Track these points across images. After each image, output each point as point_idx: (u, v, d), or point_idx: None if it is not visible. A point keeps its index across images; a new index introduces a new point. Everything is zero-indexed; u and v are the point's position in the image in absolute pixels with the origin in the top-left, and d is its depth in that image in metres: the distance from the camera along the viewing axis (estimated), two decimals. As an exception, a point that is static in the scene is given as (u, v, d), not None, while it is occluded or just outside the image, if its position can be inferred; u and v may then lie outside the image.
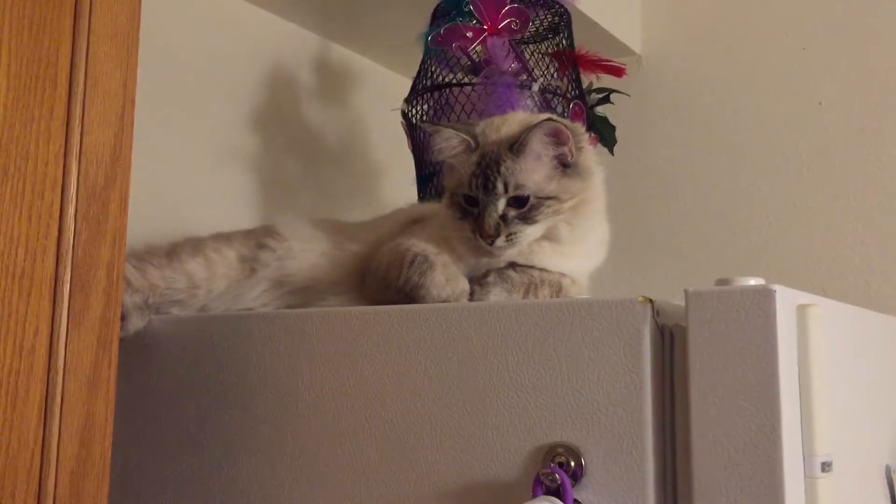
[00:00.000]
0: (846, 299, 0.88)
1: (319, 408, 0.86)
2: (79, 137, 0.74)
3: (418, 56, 1.32)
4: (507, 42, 1.15)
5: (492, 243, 0.90)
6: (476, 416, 0.76)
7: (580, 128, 0.96)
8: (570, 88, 1.22)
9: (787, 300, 0.64)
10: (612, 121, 1.36)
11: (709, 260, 1.67)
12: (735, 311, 0.64)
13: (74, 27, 0.75)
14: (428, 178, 1.25)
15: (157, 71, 1.29)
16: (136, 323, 0.96)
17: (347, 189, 1.68)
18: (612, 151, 1.36)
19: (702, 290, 0.66)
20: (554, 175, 0.92)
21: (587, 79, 1.33)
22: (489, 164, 0.91)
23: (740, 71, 1.72)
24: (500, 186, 0.90)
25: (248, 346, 0.92)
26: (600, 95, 1.35)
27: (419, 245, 0.92)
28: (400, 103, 1.32)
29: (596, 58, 1.30)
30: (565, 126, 0.91)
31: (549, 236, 0.93)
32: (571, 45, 1.27)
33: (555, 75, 1.22)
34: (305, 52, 1.62)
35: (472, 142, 0.93)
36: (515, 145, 0.91)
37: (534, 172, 0.91)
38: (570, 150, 0.92)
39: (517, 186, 0.90)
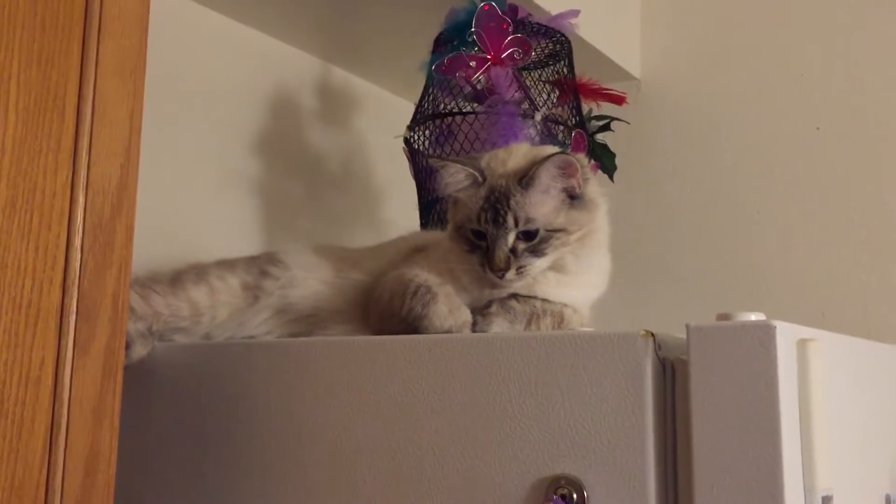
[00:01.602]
0: (845, 325, 0.88)
1: (322, 436, 0.86)
2: (86, 169, 0.74)
3: (420, 79, 1.33)
4: (510, 72, 1.16)
5: (502, 276, 0.91)
6: (478, 447, 0.76)
7: (584, 159, 0.97)
8: (571, 116, 1.23)
9: (787, 335, 0.65)
10: (612, 147, 1.37)
11: (708, 287, 1.67)
12: (736, 347, 0.64)
13: (82, 60, 0.76)
14: (430, 204, 1.26)
15: (161, 96, 1.29)
16: (140, 351, 0.96)
17: (349, 212, 1.69)
18: (612, 179, 1.36)
19: (703, 325, 0.66)
20: (562, 207, 0.93)
21: (586, 105, 1.34)
22: (498, 199, 0.92)
23: (738, 96, 1.73)
24: (510, 220, 0.91)
25: (252, 374, 0.92)
26: (601, 123, 1.36)
27: (422, 275, 0.93)
28: (402, 127, 1.33)
29: (597, 86, 1.31)
30: (575, 159, 0.91)
31: (554, 267, 0.94)
32: (572, 72, 1.28)
33: (555, 103, 1.23)
34: (307, 75, 1.63)
35: (479, 176, 0.94)
36: (525, 179, 0.91)
37: (543, 205, 0.92)
38: (578, 183, 0.93)
39: (527, 220, 0.91)
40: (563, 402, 0.72)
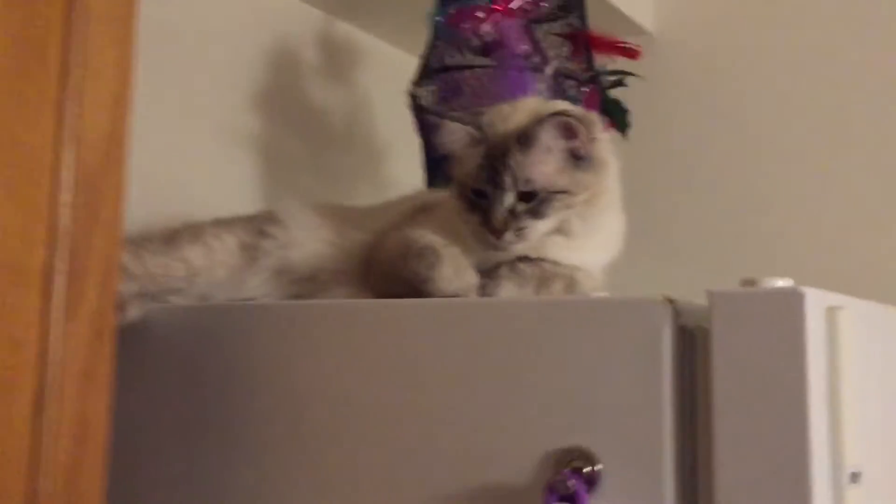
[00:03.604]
0: (874, 291, 0.84)
1: (322, 402, 0.83)
2: (73, 121, 0.70)
3: (425, 33, 1.28)
4: (519, 23, 1.11)
5: (500, 237, 0.87)
6: (484, 416, 0.73)
7: (593, 117, 0.92)
8: (583, 71, 1.18)
9: (816, 302, 0.61)
10: (625, 104, 1.32)
11: (726, 249, 1.62)
12: (762, 315, 0.61)
13: (68, 3, 0.71)
14: (436, 162, 1.21)
15: (153, 48, 1.22)
16: (134, 312, 0.93)
17: (352, 171, 1.65)
18: (625, 136, 1.31)
19: (727, 291, 0.63)
20: (565, 168, 0.88)
21: (599, 60, 1.29)
22: (497, 157, 0.88)
23: (758, 53, 1.67)
24: (507, 180, 0.87)
25: (249, 337, 0.89)
26: (613, 78, 1.31)
27: (427, 236, 0.89)
28: (407, 83, 1.28)
29: (611, 39, 1.25)
30: (577, 119, 0.87)
31: (560, 229, 0.90)
32: (584, 25, 1.22)
33: (567, 57, 1.18)
34: (309, 29, 1.58)
35: (477, 134, 0.90)
36: (524, 138, 0.88)
37: (544, 165, 0.88)
38: (582, 143, 0.88)
39: (526, 181, 0.87)
40: (576, 370, 0.69)
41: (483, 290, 0.87)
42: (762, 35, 1.68)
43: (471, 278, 0.87)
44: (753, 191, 1.63)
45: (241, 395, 0.88)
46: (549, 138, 0.87)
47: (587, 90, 1.17)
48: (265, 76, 1.48)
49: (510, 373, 0.72)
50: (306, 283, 0.99)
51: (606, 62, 1.35)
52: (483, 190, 0.89)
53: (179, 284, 0.99)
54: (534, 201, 0.87)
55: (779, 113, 1.64)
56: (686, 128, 1.70)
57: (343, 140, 1.64)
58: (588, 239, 0.91)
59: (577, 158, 0.89)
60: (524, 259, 0.89)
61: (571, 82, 1.16)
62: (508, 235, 0.87)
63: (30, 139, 0.67)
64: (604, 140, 0.91)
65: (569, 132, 0.87)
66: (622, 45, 1.27)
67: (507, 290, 0.87)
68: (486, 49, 1.15)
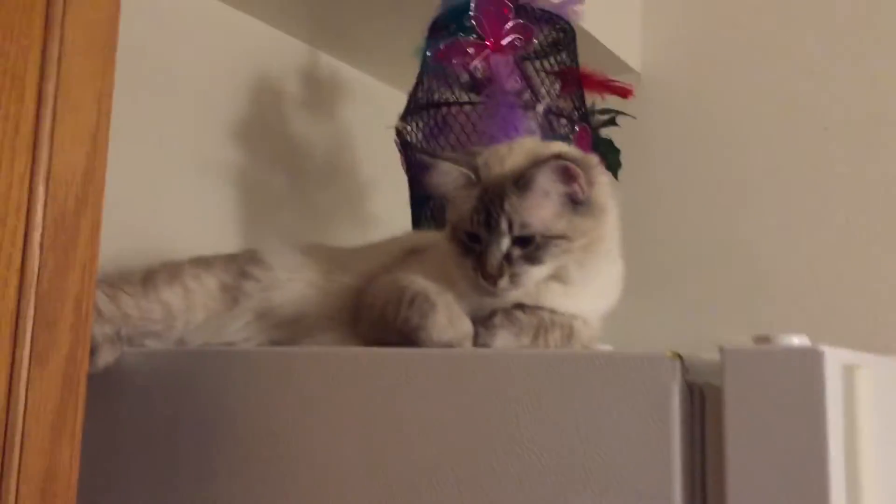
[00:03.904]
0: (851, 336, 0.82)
1: (304, 455, 0.79)
2: (47, 157, 0.67)
3: (412, 68, 1.26)
4: (510, 59, 1.08)
5: (494, 284, 0.84)
6: (479, 475, 0.69)
7: (593, 160, 0.89)
8: (574, 109, 1.16)
9: (833, 361, 0.58)
10: (615, 144, 1.30)
11: (719, 297, 1.59)
12: (779, 374, 0.57)
13: (45, 36, 0.68)
14: (423, 200, 1.18)
15: (133, 78, 1.21)
16: (107, 357, 0.89)
17: (334, 207, 1.62)
18: (616, 177, 1.29)
19: (741, 348, 0.59)
20: (563, 212, 0.85)
21: (589, 98, 1.27)
22: (492, 200, 0.85)
23: (744, 92, 1.66)
24: (503, 225, 0.84)
25: (229, 384, 0.85)
26: (605, 117, 1.29)
27: (419, 282, 0.85)
28: (392, 118, 1.25)
29: (602, 77, 1.24)
30: (576, 163, 0.84)
31: (557, 276, 0.86)
32: (575, 62, 1.21)
33: (558, 95, 1.15)
34: (293, 61, 1.56)
35: (472, 175, 0.87)
36: (521, 181, 0.84)
37: (541, 210, 0.84)
38: (581, 187, 0.85)
39: (522, 225, 0.84)
40: (576, 429, 0.65)
41: (478, 340, 0.83)
42: (748, 74, 1.67)
43: (466, 327, 0.83)
44: (742, 233, 1.61)
45: (218, 447, 0.84)
46: (546, 182, 0.84)
47: (579, 129, 1.15)
48: (247, 109, 1.45)
49: (506, 429, 0.68)
50: (289, 328, 0.96)
51: (595, 101, 1.33)
52: (477, 234, 0.85)
53: (156, 327, 0.95)
54: (530, 246, 0.84)
55: (767, 152, 1.63)
56: (672, 166, 1.68)
57: (326, 175, 1.61)
58: (586, 286, 0.88)
59: (576, 203, 0.86)
60: (520, 306, 0.86)
61: (563, 121, 1.13)
62: (503, 282, 0.83)
63: (2, 175, 0.64)
64: (603, 184, 0.88)
65: (567, 176, 0.84)
66: (614, 83, 1.25)
67: (504, 339, 0.83)
68: (477, 85, 1.13)
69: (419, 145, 1.19)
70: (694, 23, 1.74)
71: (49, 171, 0.67)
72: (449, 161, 0.88)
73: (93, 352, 0.84)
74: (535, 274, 0.84)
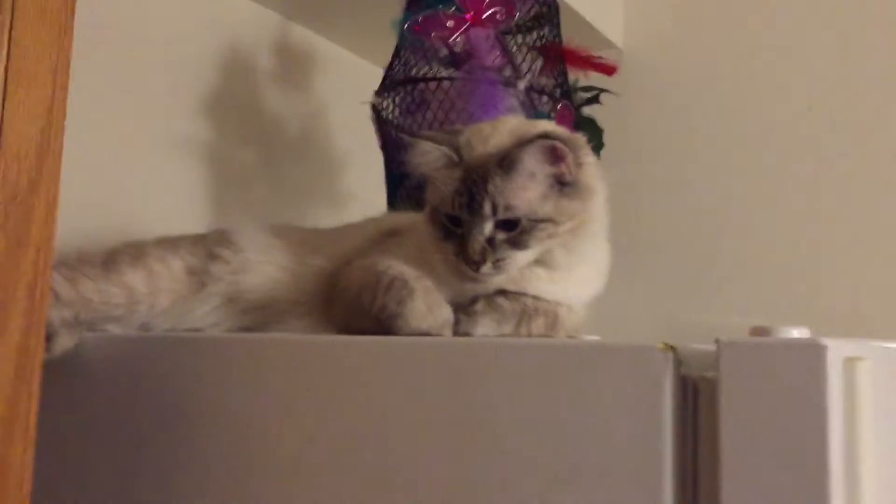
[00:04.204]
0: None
1: (276, 448, 0.75)
2: None
3: (389, 42, 1.21)
4: (491, 34, 1.04)
5: (477, 269, 0.80)
6: (460, 470, 0.66)
7: (580, 140, 0.85)
8: (556, 87, 1.12)
9: (834, 353, 0.55)
10: (600, 122, 1.26)
11: (705, 280, 1.56)
12: (778, 367, 0.54)
13: None
14: (399, 179, 1.14)
15: (93, 48, 1.16)
16: (64, 342, 0.84)
17: (307, 184, 1.57)
18: (598, 156, 1.25)
19: (737, 341, 0.56)
20: (550, 194, 0.81)
21: (572, 76, 1.23)
22: (475, 182, 0.80)
23: (727, 70, 1.63)
24: (486, 207, 0.80)
25: (195, 372, 0.81)
26: (588, 95, 1.25)
27: (397, 266, 0.81)
28: (367, 93, 1.21)
29: (586, 54, 1.19)
30: (564, 142, 0.80)
31: (542, 261, 0.83)
32: (558, 38, 1.16)
33: (540, 71, 1.11)
34: (265, 32, 1.50)
35: (454, 155, 0.83)
36: (506, 161, 0.80)
37: (526, 192, 0.80)
38: (569, 168, 0.81)
39: (507, 208, 0.80)
40: (562, 423, 0.62)
41: (458, 328, 0.79)
42: (732, 50, 1.64)
43: (445, 314, 0.79)
44: (730, 216, 1.58)
45: (183, 437, 0.80)
46: (532, 162, 0.80)
47: (561, 107, 1.11)
48: (216, 81, 1.40)
49: (488, 422, 0.65)
50: (259, 313, 0.91)
51: (577, 78, 1.29)
52: (459, 217, 0.81)
53: (118, 312, 0.91)
54: (514, 230, 0.80)
55: (753, 130, 1.60)
56: (655, 145, 1.64)
57: (298, 152, 1.56)
58: (572, 272, 0.84)
59: (563, 185, 0.82)
60: (503, 293, 0.82)
61: (545, 98, 1.09)
62: (486, 267, 0.79)
63: None
64: (591, 164, 0.84)
65: (555, 156, 0.80)
66: (598, 60, 1.21)
67: (485, 327, 0.79)
68: (456, 60, 1.08)
69: (396, 122, 1.15)
70: (677, -3, 1.71)
71: (1, 149, 0.63)
72: (429, 140, 0.83)
73: (49, 338, 0.81)
74: (519, 259, 0.80)
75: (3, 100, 0.65)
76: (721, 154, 1.60)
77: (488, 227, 0.80)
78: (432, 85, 1.10)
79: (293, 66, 1.55)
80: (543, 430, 0.63)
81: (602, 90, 1.27)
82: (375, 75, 1.24)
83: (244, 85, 1.46)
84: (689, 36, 1.68)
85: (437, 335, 0.78)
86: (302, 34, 1.57)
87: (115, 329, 0.91)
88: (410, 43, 1.14)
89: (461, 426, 0.66)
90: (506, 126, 0.85)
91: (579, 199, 0.82)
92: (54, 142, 0.67)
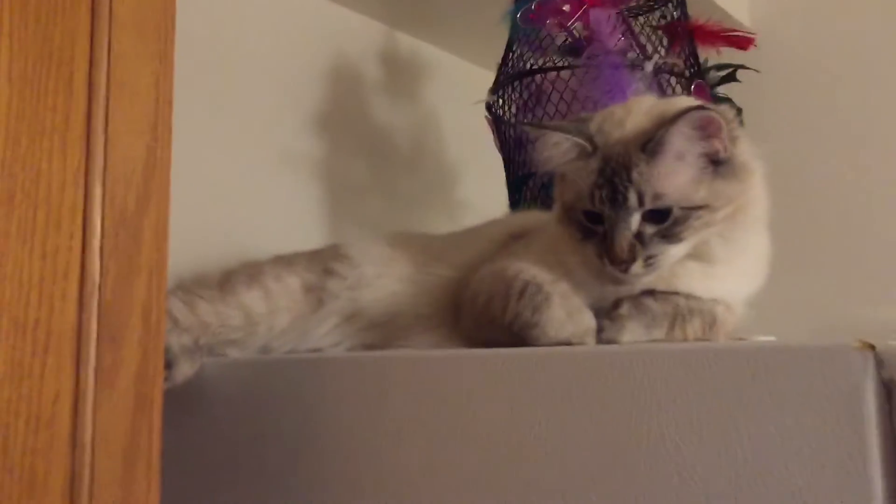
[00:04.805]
0: None
1: (407, 471, 0.69)
2: (102, 152, 0.60)
3: (496, 44, 1.16)
4: (612, 14, 0.96)
5: (625, 270, 0.71)
6: (615, 496, 0.57)
7: (731, 112, 0.75)
8: (687, 66, 1.02)
9: None
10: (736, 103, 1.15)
11: (858, 273, 1.42)
12: None
13: (92, 15, 0.61)
14: (522, 180, 1.07)
15: (199, 63, 1.15)
16: (185, 370, 0.81)
17: (422, 194, 1.53)
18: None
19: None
20: (702, 177, 0.72)
21: (703, 54, 1.13)
22: (616, 171, 0.72)
23: (861, 51, 1.48)
24: (632, 198, 0.71)
25: (320, 395, 0.77)
26: (722, 73, 1.14)
27: (529, 270, 0.73)
28: (476, 96, 1.16)
29: (717, 28, 1.09)
30: (717, 113, 0.70)
31: (696, 254, 0.73)
32: (684, 15, 1.07)
33: (667, 52, 1.02)
34: (371, 43, 1.48)
35: (587, 145, 0.74)
36: (650, 144, 0.71)
37: (676, 176, 0.71)
38: (723, 144, 0.71)
39: (655, 196, 0.71)
40: (742, 440, 0.53)
41: (602, 335, 0.71)
42: (863, 25, 1.49)
43: (587, 321, 0.71)
44: (878, 199, 1.43)
45: (310, 462, 0.76)
46: (682, 141, 0.71)
47: (694, 87, 1.01)
48: (324, 94, 1.38)
49: (647, 442, 0.57)
50: (381, 330, 0.87)
51: (706, 58, 1.19)
52: (598, 212, 0.73)
53: (237, 335, 0.88)
54: (665, 222, 0.71)
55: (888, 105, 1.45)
56: (787, 126, 1.51)
57: (411, 162, 1.53)
58: (731, 265, 0.74)
59: (717, 164, 0.72)
60: (650, 293, 0.73)
61: (674, 80, 1.00)
62: (636, 267, 0.71)
63: (52, 174, 0.58)
64: (745, 139, 0.74)
65: (708, 131, 0.71)
66: (732, 33, 1.10)
67: (633, 333, 0.70)
68: (576, 46, 1.00)
69: (513, 120, 1.08)
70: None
71: (105, 168, 0.60)
72: (558, 130, 0.75)
73: (169, 365, 0.79)
74: (673, 254, 0.71)
75: (106, 116, 0.62)
76: (857, 132, 1.46)
77: (635, 221, 0.72)
78: (551, 76, 1.03)
79: (401, 75, 1.53)
80: (718, 446, 0.54)
81: (738, 66, 1.16)
82: (484, 78, 1.20)
83: (353, 97, 1.44)
84: (819, 12, 1.54)
85: (579, 344, 0.69)
86: (408, 42, 1.54)
87: (235, 353, 0.88)
88: (524, 34, 1.07)
89: (617, 446, 0.58)
90: (640, 106, 0.76)
91: (736, 180, 0.72)
92: (161, 159, 0.64)
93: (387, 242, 0.92)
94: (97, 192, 0.59)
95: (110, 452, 0.59)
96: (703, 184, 0.71)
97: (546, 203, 1.01)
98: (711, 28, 1.10)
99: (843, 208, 1.45)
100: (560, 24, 0.99)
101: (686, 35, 1.05)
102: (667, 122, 0.70)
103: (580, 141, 0.74)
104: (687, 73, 1.02)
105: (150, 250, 0.63)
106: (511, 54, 1.11)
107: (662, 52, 1.02)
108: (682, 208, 0.71)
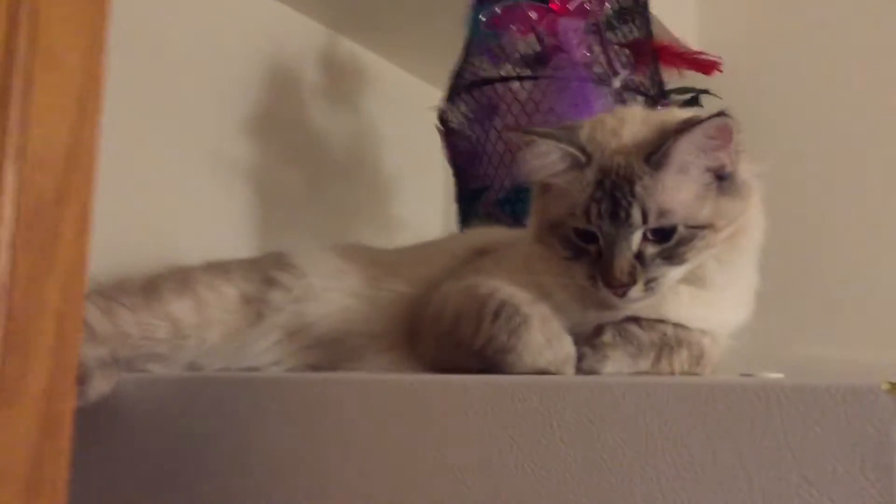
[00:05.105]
0: None
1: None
2: (18, 131, 0.53)
3: (440, 58, 1.12)
4: (580, 26, 0.91)
5: (623, 294, 0.65)
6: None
7: (738, 123, 0.69)
8: (652, 85, 0.99)
9: None
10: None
11: (813, 304, 1.41)
12: None
13: None
14: (474, 194, 1.01)
15: (137, 62, 1.09)
16: (100, 386, 0.74)
17: (356, 206, 1.48)
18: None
19: None
20: (707, 193, 0.67)
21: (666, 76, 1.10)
22: (617, 184, 0.66)
23: (807, 72, 1.50)
24: (636, 214, 0.65)
25: (255, 419, 0.71)
26: (685, 97, 1.12)
27: (504, 289, 0.67)
28: (417, 110, 1.12)
29: (682, 50, 1.07)
30: (732, 122, 0.65)
31: (689, 277, 0.68)
32: (649, 33, 1.04)
33: (632, 69, 0.99)
34: (312, 46, 1.43)
35: (580, 155, 0.68)
36: (656, 155, 0.66)
37: (681, 191, 0.66)
38: (730, 157, 0.67)
39: (661, 213, 0.65)
40: (752, 488, 0.47)
41: (583, 364, 0.65)
42: (811, 51, 1.51)
43: (567, 348, 0.65)
44: (824, 226, 1.43)
45: (244, 492, 0.69)
46: (691, 152, 0.66)
47: (660, 108, 0.98)
48: (261, 98, 1.33)
49: (637, 489, 0.51)
50: (329, 349, 0.80)
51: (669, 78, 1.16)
52: (593, 231, 0.67)
53: (161, 348, 0.82)
54: (668, 241, 0.66)
55: (832, 144, 1.46)
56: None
57: (347, 172, 1.48)
58: (724, 291, 0.69)
59: (720, 179, 0.68)
60: (634, 320, 0.67)
61: (639, 98, 0.96)
62: (636, 290, 0.65)
63: None
64: (745, 154, 0.69)
65: (720, 140, 0.66)
66: (698, 56, 1.08)
67: (617, 363, 0.64)
68: (538, 57, 0.96)
69: (467, 130, 1.02)
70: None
71: (21, 150, 0.53)
72: (549, 138, 0.69)
73: (82, 380, 0.72)
74: (672, 277, 0.66)
75: (25, 91, 0.54)
76: (831, 159, 1.46)
77: (637, 240, 0.66)
78: (511, 85, 0.98)
79: (341, 82, 1.48)
80: (721, 496, 0.48)
81: (702, 91, 1.14)
82: (426, 93, 1.16)
83: (290, 101, 1.39)
84: (766, 34, 1.56)
85: (557, 373, 0.63)
86: (350, 48, 1.50)
87: (158, 369, 0.82)
88: (482, 41, 1.03)
89: (595, 484, 0.52)
90: (633, 116, 0.71)
91: (739, 198, 0.68)
92: (87, 144, 0.57)
93: (336, 253, 0.86)
94: (10, 177, 0.52)
95: (9, 484, 0.52)
96: (708, 200, 0.67)
97: (502, 218, 0.95)
98: (676, 50, 1.07)
99: (801, 237, 1.44)
100: (525, 30, 0.94)
101: (650, 54, 1.02)
102: (680, 130, 0.65)
103: (573, 150, 0.68)
104: (652, 93, 0.99)
105: (68, 247, 0.56)
106: (467, 61, 1.06)
107: (629, 69, 0.98)
108: (688, 227, 0.66)
